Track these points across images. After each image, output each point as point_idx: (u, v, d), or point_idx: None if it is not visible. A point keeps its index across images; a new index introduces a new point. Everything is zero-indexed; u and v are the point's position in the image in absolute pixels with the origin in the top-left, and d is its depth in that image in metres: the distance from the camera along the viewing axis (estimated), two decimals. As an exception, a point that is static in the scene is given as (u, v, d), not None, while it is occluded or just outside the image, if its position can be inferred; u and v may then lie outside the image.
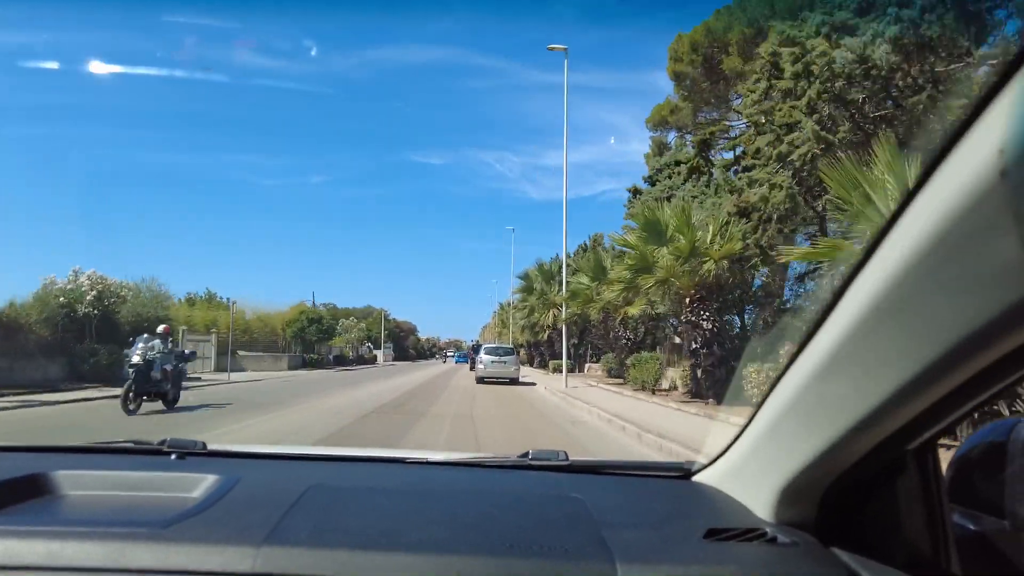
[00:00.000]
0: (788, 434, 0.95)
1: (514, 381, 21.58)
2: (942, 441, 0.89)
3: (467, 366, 39.18)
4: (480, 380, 21.37)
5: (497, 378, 21.66)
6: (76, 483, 1.15)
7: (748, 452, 1.09)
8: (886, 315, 0.67)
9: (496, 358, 23.00)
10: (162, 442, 1.36)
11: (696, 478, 1.30)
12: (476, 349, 31.16)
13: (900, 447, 0.84)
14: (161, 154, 73.61)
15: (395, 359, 78.72)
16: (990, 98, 0.52)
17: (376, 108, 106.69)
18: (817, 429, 0.87)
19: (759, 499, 1.05)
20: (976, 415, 0.65)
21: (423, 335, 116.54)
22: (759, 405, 1.02)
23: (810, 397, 0.86)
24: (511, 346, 28.13)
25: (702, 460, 1.31)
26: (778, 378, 0.93)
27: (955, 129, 0.57)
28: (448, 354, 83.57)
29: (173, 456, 1.33)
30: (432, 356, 70.18)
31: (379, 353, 75.28)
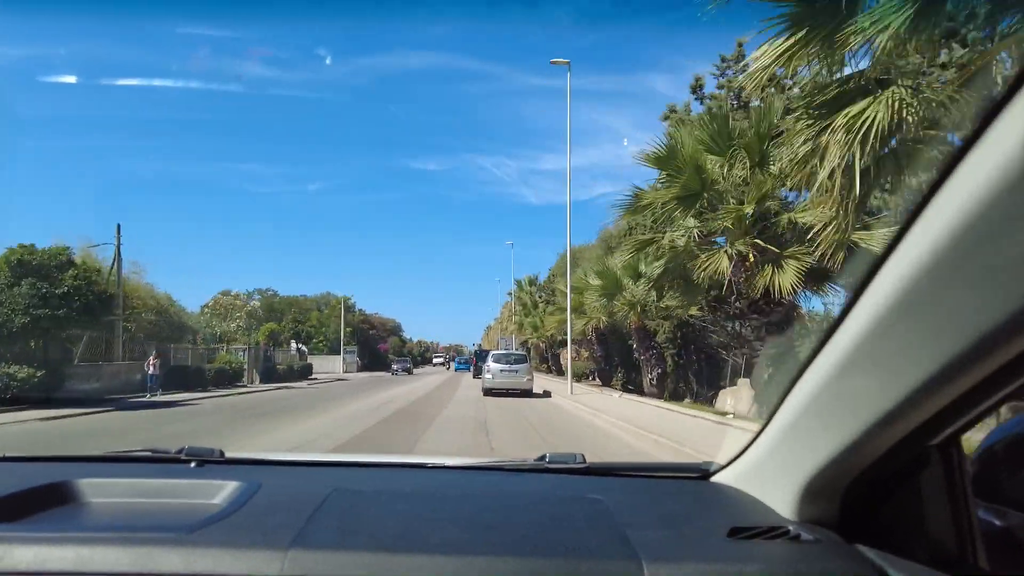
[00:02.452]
0: (809, 431, 0.99)
1: (527, 393, 19.97)
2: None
3: (470, 374, 36.27)
4: (488, 392, 19.88)
5: (507, 389, 19.81)
6: (99, 491, 1.21)
7: (768, 451, 1.13)
8: (908, 309, 0.70)
9: (506, 366, 20.47)
10: (180, 450, 1.46)
11: (714, 478, 1.33)
12: (481, 355, 28.46)
13: (923, 442, 0.87)
14: (157, 163, 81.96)
15: (363, 368, 61.31)
16: (1017, 86, 0.54)
17: (373, 114, 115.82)
18: (838, 426, 0.90)
19: (780, 497, 1.09)
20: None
21: (411, 336, 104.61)
22: (778, 403, 1.05)
23: (831, 393, 0.90)
24: (522, 352, 25.62)
25: (720, 461, 1.33)
26: (797, 375, 0.96)
27: (979, 120, 0.58)
28: (435, 360, 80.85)
29: (192, 464, 1.40)
30: (399, 364, 42.88)
31: (336, 360, 56.81)
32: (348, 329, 56.94)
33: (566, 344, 39.21)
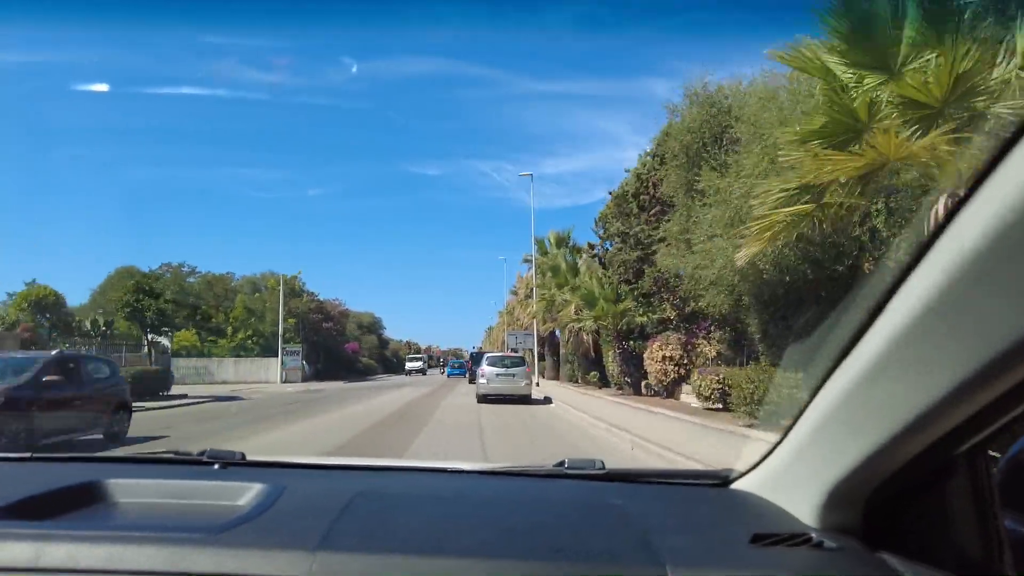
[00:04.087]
0: (833, 438, 1.02)
1: (525, 399, 19.31)
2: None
3: (465, 381, 32.29)
4: (483, 399, 19.11)
5: (504, 395, 18.87)
6: (127, 491, 1.29)
7: (790, 457, 1.16)
8: (938, 315, 0.72)
9: (502, 370, 19.20)
10: (202, 452, 1.54)
11: (735, 485, 1.35)
12: (477, 359, 26.06)
13: (950, 450, 0.91)
14: (158, 168, 79.17)
15: (313, 375, 44.00)
16: None
17: (373, 120, 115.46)
18: (863, 433, 0.94)
19: (803, 504, 1.12)
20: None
21: (400, 337, 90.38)
22: (801, 410, 1.09)
23: (856, 400, 0.93)
24: (520, 355, 23.65)
25: (739, 467, 1.36)
26: (821, 381, 1.00)
27: (1016, 125, 0.61)
28: (410, 365, 60.02)
29: (215, 466, 1.46)
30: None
31: (271, 365, 41.06)
32: (291, 320, 38.50)
33: (650, 333, 19.28)
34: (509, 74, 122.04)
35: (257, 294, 45.04)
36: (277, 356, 42.38)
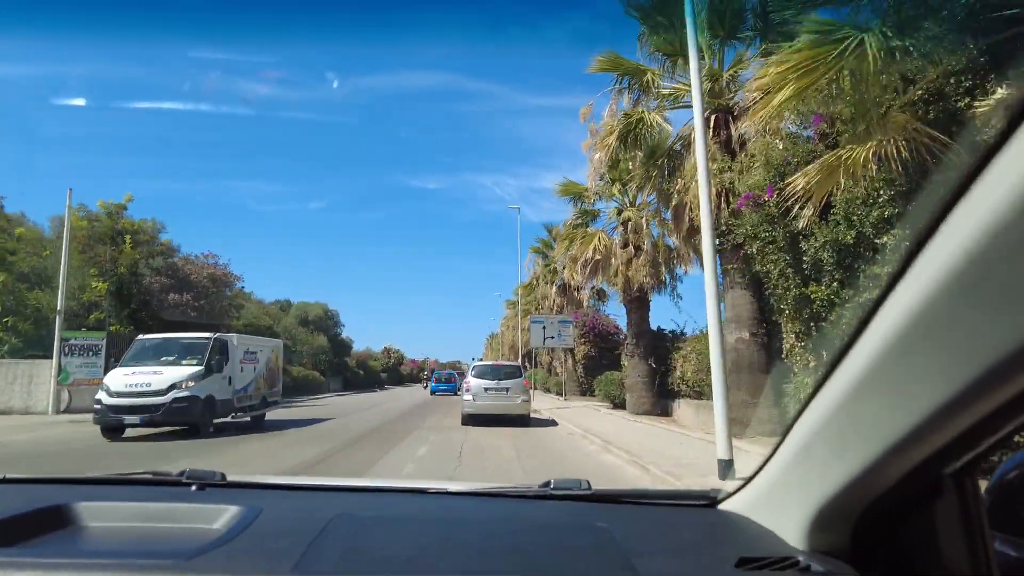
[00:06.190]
0: (819, 458, 1.04)
1: (523, 420, 16.85)
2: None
3: (450, 405, 28.00)
4: (468, 419, 16.48)
5: (496, 415, 16.20)
6: (98, 515, 1.26)
7: (777, 478, 1.17)
8: (923, 332, 0.73)
9: (492, 383, 16.39)
10: (181, 473, 1.50)
11: (722, 506, 1.34)
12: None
13: (937, 471, 0.93)
14: (165, 182, 60.54)
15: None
16: None
17: (374, 134, 73.25)
18: (850, 452, 0.95)
19: (790, 526, 1.12)
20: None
21: (369, 345, 73.20)
22: (787, 429, 1.09)
23: (842, 419, 0.95)
24: (516, 364, 20.88)
25: (728, 488, 1.37)
26: (807, 400, 1.02)
27: (997, 135, 0.62)
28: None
29: (193, 487, 1.42)
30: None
31: (39, 372, 20.45)
32: (99, 285, 16.39)
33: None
34: (508, 89, 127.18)
35: (19, 230, 23.25)
36: (52, 357, 22.47)
